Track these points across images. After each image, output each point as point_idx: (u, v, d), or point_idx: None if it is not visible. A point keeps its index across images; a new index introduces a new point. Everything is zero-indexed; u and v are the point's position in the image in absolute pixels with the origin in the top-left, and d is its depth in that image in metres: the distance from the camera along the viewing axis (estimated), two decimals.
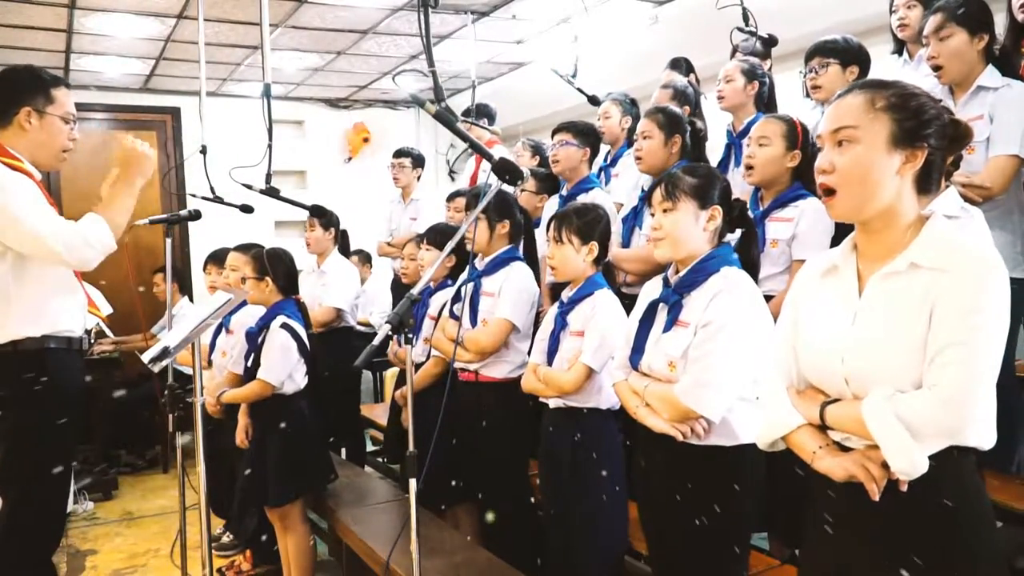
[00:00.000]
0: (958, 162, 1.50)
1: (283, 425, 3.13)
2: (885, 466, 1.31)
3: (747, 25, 3.66)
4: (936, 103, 1.40)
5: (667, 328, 2.02)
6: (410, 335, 1.74)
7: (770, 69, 3.52)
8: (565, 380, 2.42)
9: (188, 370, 3.10)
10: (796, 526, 1.78)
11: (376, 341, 1.68)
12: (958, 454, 1.32)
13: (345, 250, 4.53)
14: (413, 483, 1.80)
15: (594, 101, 4.02)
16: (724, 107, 3.30)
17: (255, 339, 3.20)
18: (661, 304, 2.07)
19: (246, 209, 3.56)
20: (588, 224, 2.49)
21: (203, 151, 3.80)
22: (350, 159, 7.55)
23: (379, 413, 4.45)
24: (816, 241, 2.44)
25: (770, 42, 3.69)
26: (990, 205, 2.42)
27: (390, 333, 1.68)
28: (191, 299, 5.91)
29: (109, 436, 5.37)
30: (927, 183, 1.40)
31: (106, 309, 3.40)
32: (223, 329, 3.70)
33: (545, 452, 2.58)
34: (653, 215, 2.10)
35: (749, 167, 2.64)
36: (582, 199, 3.03)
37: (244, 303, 3.40)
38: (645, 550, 2.35)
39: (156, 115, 6.89)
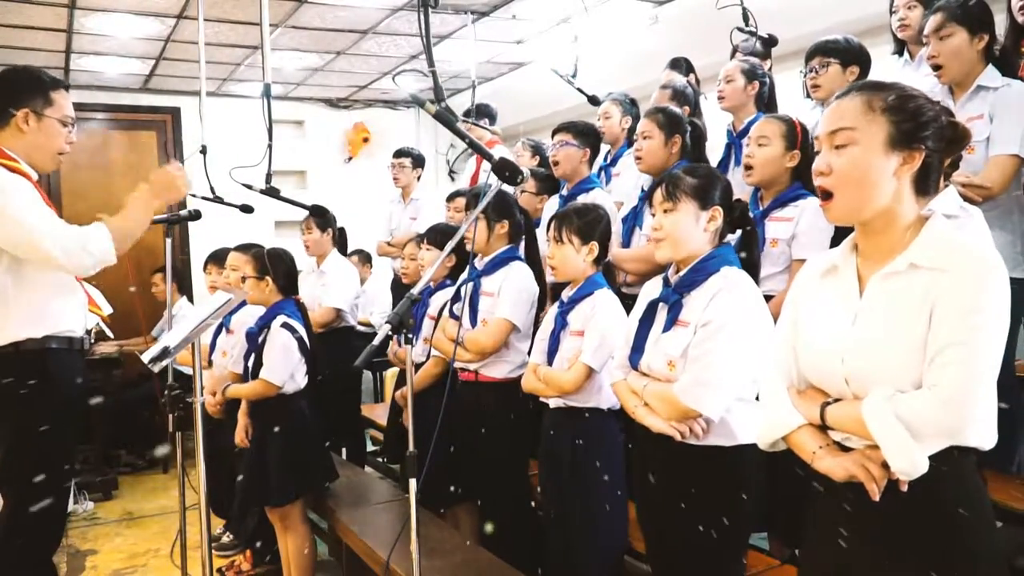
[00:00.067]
0: (957, 163, 1.51)
1: (284, 425, 3.13)
2: (885, 466, 1.31)
3: (747, 25, 3.66)
4: (934, 105, 1.40)
5: (667, 328, 2.02)
6: (410, 335, 1.74)
7: (770, 69, 3.52)
8: (565, 380, 2.42)
9: (188, 370, 3.10)
10: (796, 526, 1.78)
11: (376, 341, 1.68)
12: (959, 454, 1.32)
13: (343, 248, 4.53)
14: (413, 483, 1.80)
15: (594, 101, 4.02)
16: (724, 107, 3.30)
17: (255, 339, 3.20)
18: (661, 304, 2.07)
19: (246, 209, 3.56)
20: (588, 224, 2.49)
21: (203, 151, 3.79)
22: (350, 159, 7.55)
23: (379, 413, 4.44)
24: (816, 241, 2.44)
25: (770, 42, 3.69)
26: (990, 205, 2.42)
27: (390, 333, 1.69)
28: (191, 299, 5.91)
29: (109, 436, 5.37)
30: (925, 184, 1.40)
31: (107, 309, 3.40)
32: (223, 329, 3.70)
33: (545, 452, 2.58)
34: (654, 215, 2.10)
35: (748, 167, 2.64)
36: (583, 199, 3.03)
37: (244, 303, 3.40)
38: (644, 550, 2.35)
39: (156, 115, 6.89)
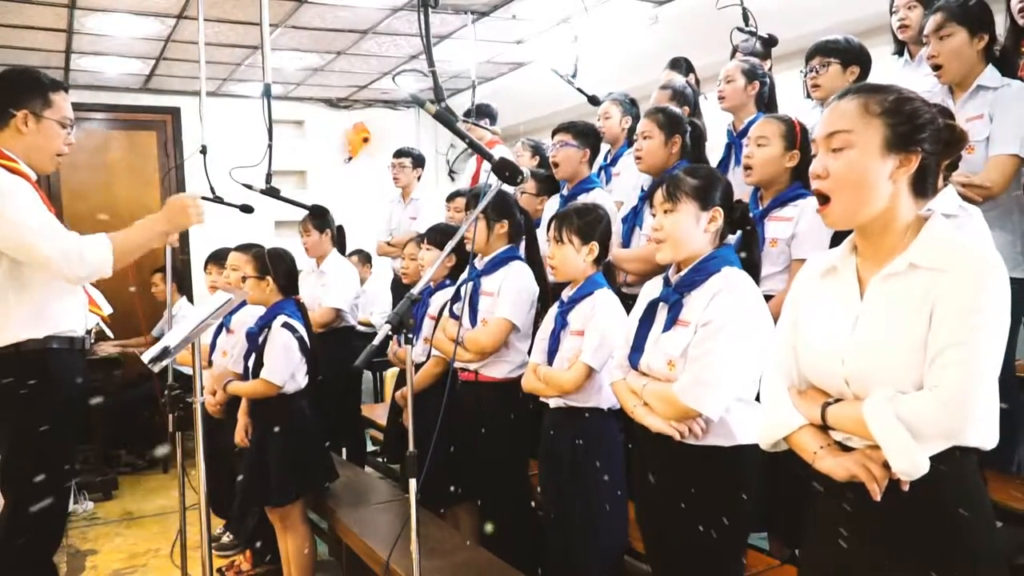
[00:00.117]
0: (956, 163, 1.51)
1: (284, 425, 3.13)
2: (886, 466, 1.31)
3: (747, 25, 3.66)
4: (931, 107, 1.40)
5: (667, 327, 2.02)
6: (410, 335, 1.74)
7: (770, 69, 3.52)
8: (565, 379, 2.42)
9: (188, 370, 3.10)
10: (796, 526, 1.78)
11: (376, 341, 1.68)
12: (960, 454, 1.32)
13: (342, 248, 4.53)
14: (413, 483, 1.80)
15: (594, 101, 4.02)
16: (725, 107, 3.30)
17: (256, 339, 3.20)
18: (661, 303, 2.07)
19: (246, 209, 3.56)
20: (589, 224, 2.49)
21: (203, 151, 3.79)
22: (350, 159, 7.55)
23: (379, 413, 4.45)
24: (815, 241, 2.44)
25: (770, 42, 3.69)
26: (990, 205, 2.42)
27: (390, 333, 1.69)
28: (191, 299, 5.91)
29: (109, 436, 5.37)
30: (923, 186, 1.40)
31: (107, 309, 3.40)
32: (224, 329, 3.71)
33: (545, 452, 2.58)
34: (654, 215, 2.10)
35: (748, 167, 2.64)
36: (583, 199, 3.03)
37: (244, 303, 3.40)
38: (644, 550, 2.35)
39: (156, 115, 6.89)
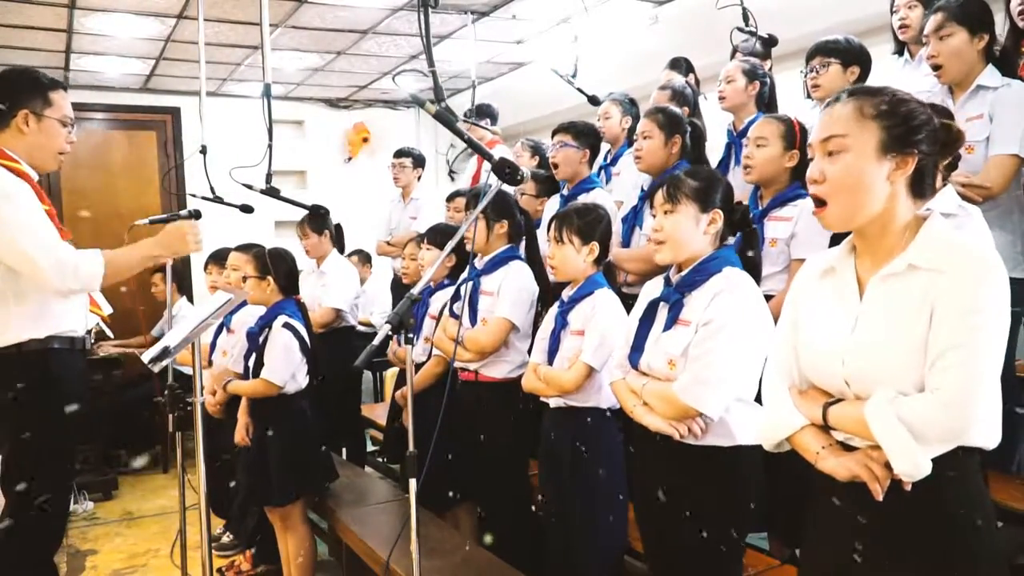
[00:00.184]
0: (956, 163, 1.50)
1: (284, 425, 3.13)
2: (888, 466, 1.31)
3: (747, 25, 3.66)
4: (926, 108, 1.40)
5: (667, 327, 2.02)
6: (410, 335, 1.74)
7: (770, 69, 3.52)
8: (566, 379, 2.42)
9: (188, 370, 3.10)
10: (796, 526, 1.78)
11: (376, 341, 1.68)
12: (963, 454, 1.32)
13: (340, 246, 4.53)
14: (413, 483, 1.80)
15: (594, 101, 4.02)
16: (725, 107, 3.30)
17: (256, 339, 3.20)
18: (662, 303, 2.07)
19: (246, 209, 3.56)
20: (589, 224, 2.49)
21: (203, 151, 3.79)
22: (350, 159, 7.55)
23: (379, 413, 4.45)
24: (815, 241, 2.44)
25: (770, 42, 3.69)
26: (990, 205, 2.42)
27: (390, 333, 1.69)
28: (191, 299, 5.91)
29: (109, 436, 5.37)
30: (920, 187, 1.40)
31: (107, 309, 3.40)
32: (224, 328, 3.71)
33: (545, 452, 2.58)
34: (655, 216, 2.10)
35: (747, 167, 2.65)
36: (583, 199, 3.03)
37: (245, 303, 3.40)
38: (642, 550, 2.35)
39: (156, 115, 6.89)
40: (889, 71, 3.13)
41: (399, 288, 5.14)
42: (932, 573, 1.33)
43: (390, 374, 5.61)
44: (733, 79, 3.23)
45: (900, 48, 3.19)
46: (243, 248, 3.37)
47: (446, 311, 3.06)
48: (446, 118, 1.95)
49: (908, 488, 1.31)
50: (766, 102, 3.27)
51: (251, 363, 3.21)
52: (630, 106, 3.65)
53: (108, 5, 4.64)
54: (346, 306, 4.24)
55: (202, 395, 2.64)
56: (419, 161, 5.08)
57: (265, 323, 3.20)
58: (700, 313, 1.95)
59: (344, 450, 4.44)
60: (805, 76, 2.97)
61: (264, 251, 3.29)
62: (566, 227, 2.49)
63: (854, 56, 2.84)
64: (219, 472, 3.49)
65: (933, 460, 1.28)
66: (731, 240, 2.13)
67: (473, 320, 2.93)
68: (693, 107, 3.52)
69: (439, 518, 3.09)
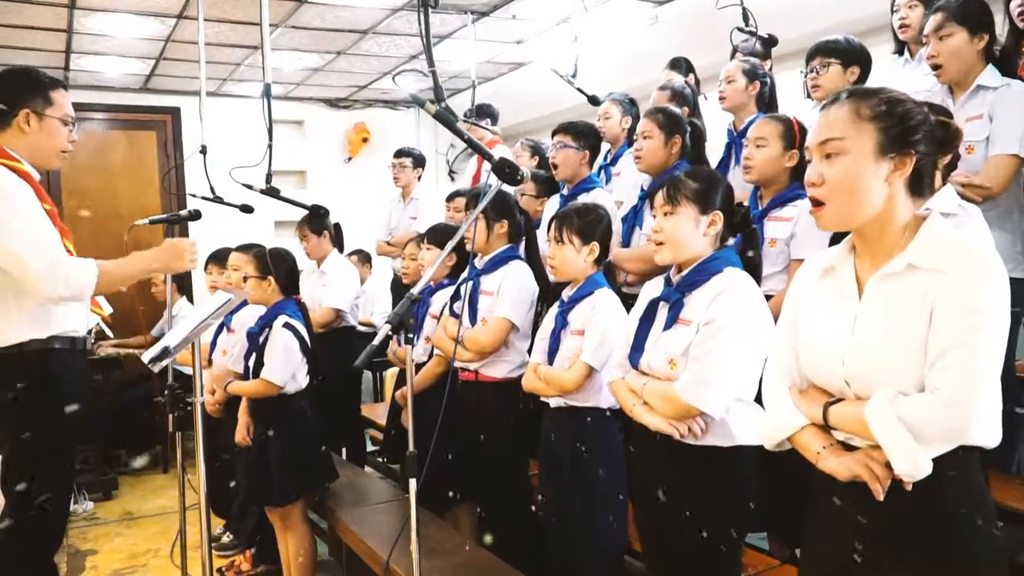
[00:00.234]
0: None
1: (285, 425, 3.13)
2: (889, 466, 1.31)
3: (747, 25, 3.66)
4: (922, 107, 1.40)
5: (667, 326, 2.02)
6: (410, 335, 1.74)
7: (770, 69, 3.52)
8: (566, 379, 2.42)
9: (188, 370, 3.10)
10: (796, 526, 1.78)
11: (376, 341, 1.68)
12: (963, 453, 1.32)
13: (340, 244, 4.53)
14: (413, 483, 1.80)
15: (594, 101, 4.02)
16: (726, 107, 3.30)
17: (256, 339, 3.20)
18: (662, 302, 2.07)
19: (246, 209, 3.56)
20: (589, 224, 2.49)
21: (203, 151, 3.79)
22: (350, 159, 7.55)
23: (379, 413, 4.45)
24: (814, 241, 2.43)
25: (770, 42, 3.69)
26: (990, 205, 2.42)
27: (390, 333, 1.69)
28: (191, 299, 5.91)
29: (109, 436, 5.37)
30: (919, 187, 1.40)
31: (107, 308, 3.40)
32: (224, 328, 3.71)
33: (545, 452, 2.58)
34: (655, 217, 2.10)
35: (747, 168, 2.65)
36: (583, 199, 3.03)
37: (245, 302, 3.40)
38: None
39: (156, 115, 6.89)
40: (889, 71, 3.13)
41: (399, 288, 5.14)
42: (932, 573, 1.33)
43: (390, 374, 5.61)
44: (733, 79, 3.23)
45: (900, 48, 3.19)
46: (244, 248, 3.37)
47: (446, 310, 3.06)
48: (446, 118, 1.95)
49: (909, 488, 1.31)
50: (766, 102, 3.27)
51: (251, 363, 3.21)
52: (630, 106, 3.65)
53: (108, 5, 4.63)
54: (346, 306, 4.24)
55: (202, 395, 2.64)
56: (419, 161, 5.08)
57: (265, 323, 3.20)
58: (701, 313, 1.95)
59: (344, 450, 4.44)
60: (805, 76, 2.97)
61: (265, 251, 3.29)
62: (566, 227, 2.49)
63: (854, 56, 2.84)
64: (219, 472, 3.49)
65: (934, 460, 1.28)
66: (731, 241, 2.13)
67: (473, 320, 2.93)
68: (693, 107, 3.52)
69: (439, 518, 3.09)
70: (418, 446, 1.80)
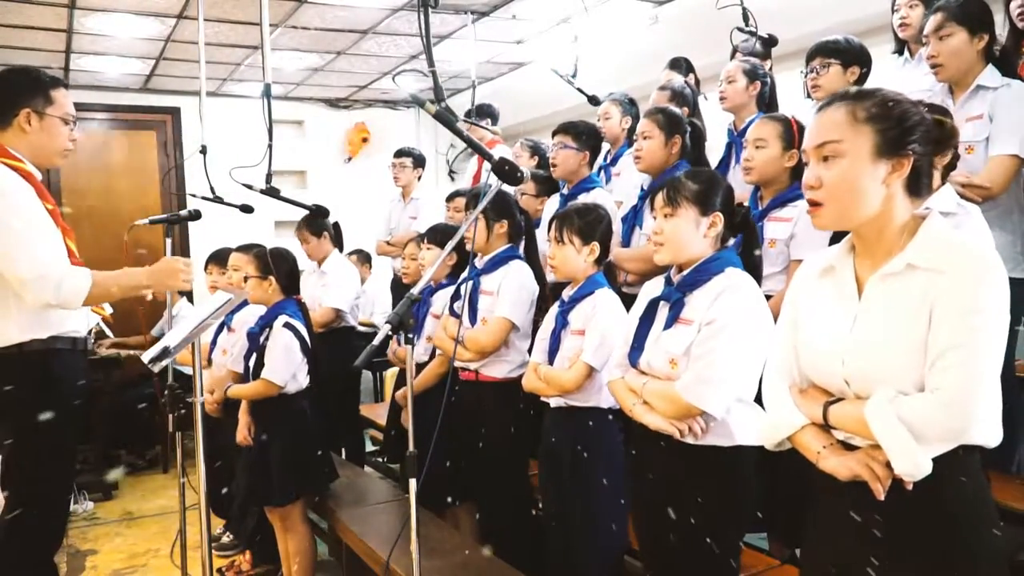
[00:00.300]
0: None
1: (285, 425, 3.13)
2: (890, 465, 1.31)
3: (747, 25, 3.66)
4: (918, 107, 1.40)
5: (668, 325, 2.02)
6: (410, 335, 1.74)
7: (770, 69, 3.52)
8: (566, 379, 2.42)
9: (188, 370, 3.09)
10: (796, 526, 1.78)
11: (376, 341, 1.68)
12: (964, 452, 1.32)
13: (339, 243, 4.53)
14: (413, 483, 1.80)
15: (594, 101, 4.02)
16: (726, 108, 3.30)
17: (257, 339, 3.20)
18: (662, 302, 2.07)
19: (246, 209, 3.56)
20: (589, 224, 2.49)
21: (203, 151, 3.79)
22: (350, 159, 7.55)
23: (379, 413, 4.44)
24: (814, 241, 2.43)
25: (770, 42, 3.69)
26: (989, 205, 2.42)
27: (390, 333, 1.69)
28: (191, 299, 5.91)
29: (109, 436, 5.37)
30: (917, 187, 1.40)
31: (108, 308, 3.40)
32: (225, 327, 3.71)
33: (545, 452, 2.58)
34: (655, 218, 2.10)
35: (747, 169, 2.65)
36: (583, 199, 3.03)
37: (246, 302, 3.40)
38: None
39: (156, 115, 6.89)
40: (889, 71, 3.13)
41: (399, 288, 5.14)
42: (932, 572, 1.33)
43: (390, 374, 5.61)
44: (734, 79, 3.23)
45: (900, 47, 3.19)
46: (244, 248, 3.37)
47: (445, 310, 3.06)
48: (446, 118, 1.95)
49: (909, 488, 1.31)
50: (767, 102, 3.27)
51: (251, 363, 3.21)
52: (630, 106, 3.65)
53: (108, 5, 4.64)
54: (346, 306, 4.24)
55: (202, 395, 2.64)
56: (419, 161, 5.09)
57: (266, 323, 3.20)
58: (703, 312, 1.95)
59: (344, 450, 4.44)
60: (805, 76, 2.97)
61: (265, 251, 3.29)
62: (567, 227, 2.49)
63: (854, 56, 2.84)
64: (219, 472, 3.49)
65: (934, 459, 1.28)
66: (731, 241, 2.13)
67: (473, 320, 2.93)
68: (693, 107, 3.52)
69: (439, 518, 3.09)
70: (418, 446, 1.80)
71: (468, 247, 2.86)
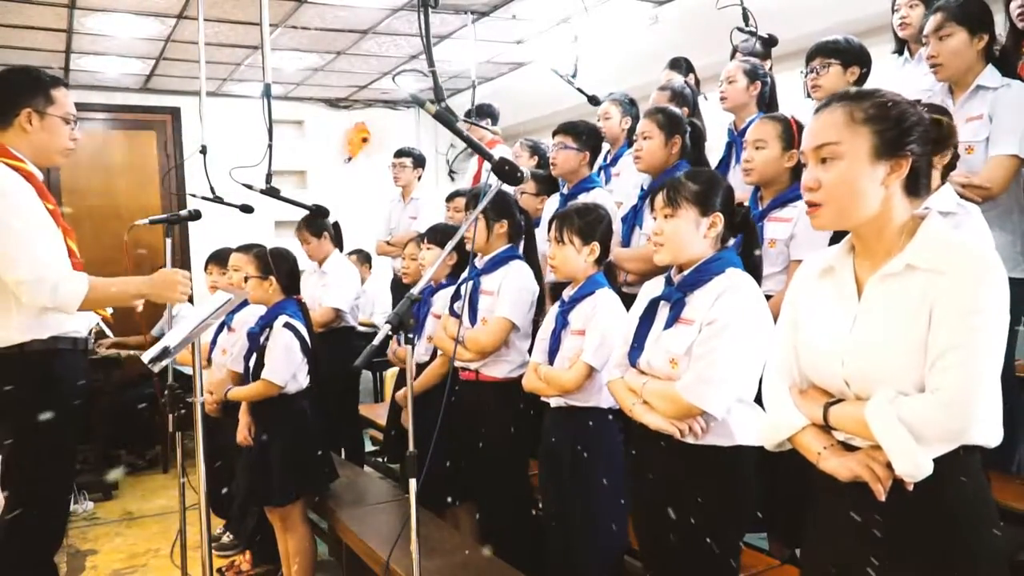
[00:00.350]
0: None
1: (285, 425, 3.13)
2: (890, 466, 1.31)
3: (747, 25, 3.66)
4: (915, 107, 1.40)
5: (668, 325, 2.02)
6: (410, 335, 1.74)
7: (770, 69, 3.52)
8: (566, 379, 2.42)
9: (188, 370, 3.09)
10: (796, 526, 1.78)
11: (376, 341, 1.68)
12: (964, 453, 1.32)
13: (339, 243, 4.53)
14: (413, 483, 1.80)
15: (594, 101, 4.02)
16: (726, 108, 3.30)
17: (257, 339, 3.20)
18: (663, 301, 2.07)
19: (246, 209, 3.56)
20: (589, 224, 2.49)
21: (203, 151, 3.79)
22: (350, 159, 7.55)
23: (379, 413, 4.45)
24: (814, 241, 2.43)
25: (770, 42, 3.69)
26: (989, 205, 2.42)
27: (390, 333, 1.69)
28: (190, 299, 5.91)
29: (109, 436, 5.37)
30: (916, 187, 1.40)
31: (108, 308, 3.40)
32: (225, 327, 3.71)
33: (545, 452, 2.58)
34: (655, 218, 2.10)
35: (747, 170, 2.65)
36: (583, 198, 3.03)
37: (246, 302, 3.39)
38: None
39: (156, 115, 6.89)
40: (889, 71, 3.13)
41: (399, 288, 5.14)
42: (933, 573, 1.33)
43: (390, 374, 5.61)
44: (734, 79, 3.23)
45: (900, 47, 3.19)
46: (244, 248, 3.37)
47: (446, 310, 3.06)
48: (446, 118, 1.95)
49: (910, 488, 1.31)
50: (767, 102, 3.27)
51: (251, 363, 3.21)
52: (630, 106, 3.65)
53: (108, 5, 4.64)
54: (346, 306, 4.24)
55: (202, 395, 2.64)
56: (419, 161, 5.09)
57: (266, 323, 3.20)
58: (703, 312, 1.95)
59: (344, 450, 4.44)
60: (805, 76, 2.97)
61: (266, 251, 3.29)
62: (567, 227, 2.49)
63: (854, 56, 2.84)
64: (219, 472, 3.49)
65: (934, 460, 1.28)
66: (732, 241, 2.13)
67: (473, 320, 2.93)
68: (693, 107, 3.52)
69: (439, 518, 3.09)
70: (418, 446, 1.80)
71: (468, 247, 2.86)
